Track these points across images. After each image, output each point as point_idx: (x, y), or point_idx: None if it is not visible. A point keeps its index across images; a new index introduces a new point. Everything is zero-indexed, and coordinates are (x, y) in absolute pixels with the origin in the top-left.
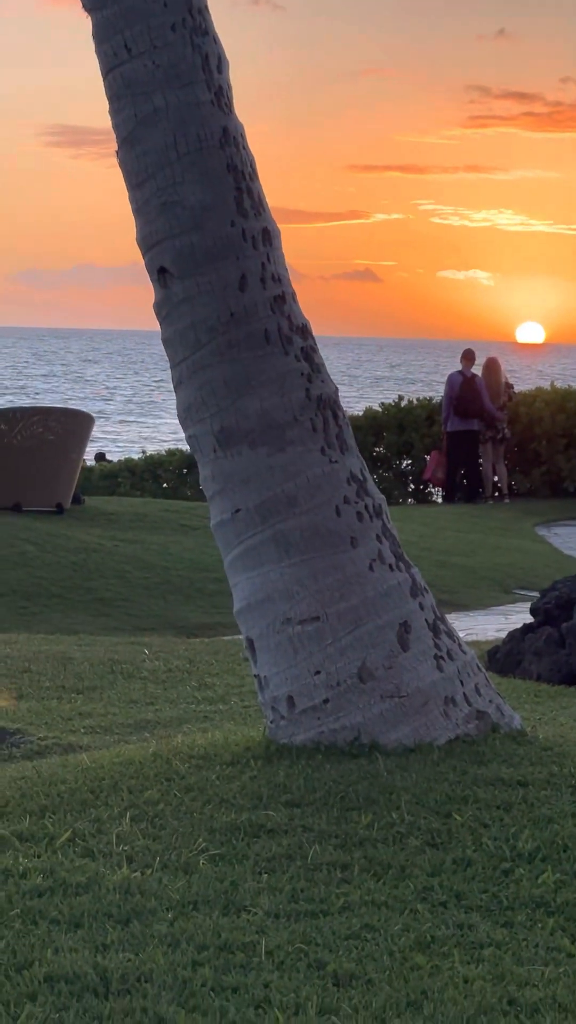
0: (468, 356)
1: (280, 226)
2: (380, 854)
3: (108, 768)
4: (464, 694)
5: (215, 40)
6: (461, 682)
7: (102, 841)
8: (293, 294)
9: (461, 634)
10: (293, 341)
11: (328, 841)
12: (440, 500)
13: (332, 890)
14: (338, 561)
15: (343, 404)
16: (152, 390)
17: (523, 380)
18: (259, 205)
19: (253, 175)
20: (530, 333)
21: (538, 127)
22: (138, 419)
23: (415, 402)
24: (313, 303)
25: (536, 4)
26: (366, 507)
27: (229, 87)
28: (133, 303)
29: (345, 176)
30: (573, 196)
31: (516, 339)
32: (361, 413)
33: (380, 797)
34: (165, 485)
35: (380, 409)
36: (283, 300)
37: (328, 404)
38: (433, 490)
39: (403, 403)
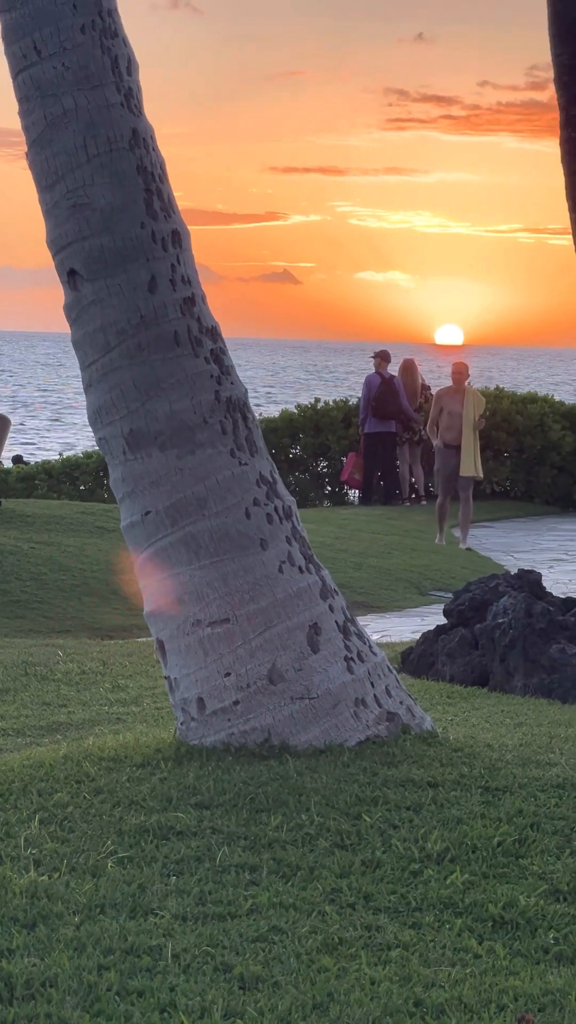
0: (384, 357)
1: (198, 228)
2: (289, 856)
3: (18, 771)
4: (375, 696)
5: (125, 42)
6: (372, 684)
7: (10, 844)
8: (203, 296)
9: (376, 636)
10: (203, 343)
11: (237, 843)
12: (357, 502)
13: (240, 892)
14: (248, 563)
15: (262, 405)
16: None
17: (441, 382)
18: (169, 207)
19: (163, 177)
20: (449, 335)
21: (456, 130)
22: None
23: (331, 404)
24: (232, 305)
25: (454, 9)
26: (276, 509)
27: (139, 89)
28: (55, 306)
29: (264, 178)
30: (491, 198)
31: (435, 341)
32: (277, 415)
33: (290, 799)
34: (83, 487)
35: (296, 411)
36: (193, 302)
37: (237, 406)
38: (350, 492)
39: (319, 405)
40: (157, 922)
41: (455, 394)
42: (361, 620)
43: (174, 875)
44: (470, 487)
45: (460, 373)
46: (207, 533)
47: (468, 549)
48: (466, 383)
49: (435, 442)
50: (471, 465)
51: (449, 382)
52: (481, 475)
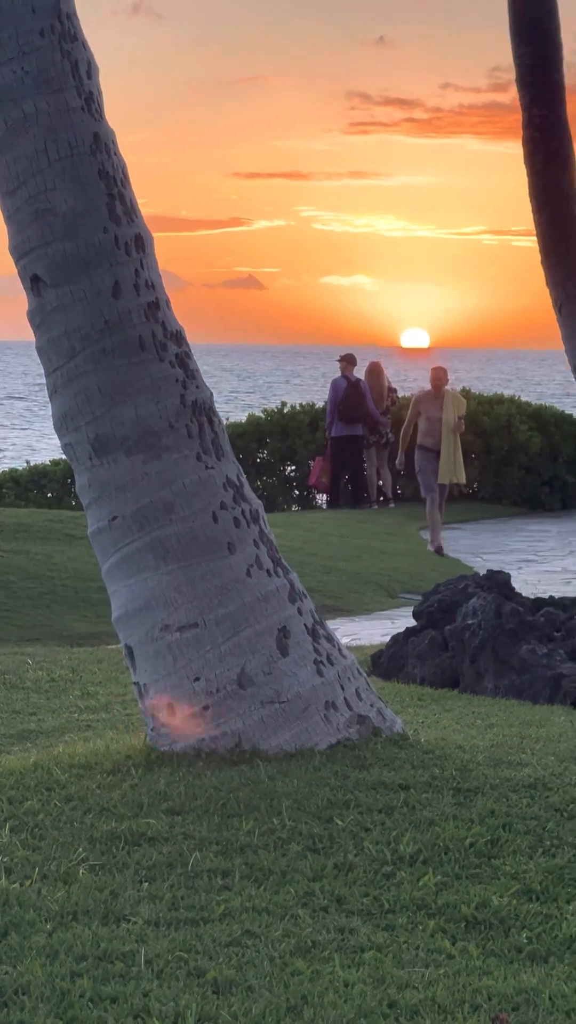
0: (350, 360)
1: (162, 234)
2: (261, 860)
3: None
4: (345, 698)
5: (84, 46)
6: (341, 687)
7: None
8: (167, 300)
9: (346, 639)
10: (167, 347)
11: (209, 848)
12: (325, 506)
13: (213, 897)
14: (216, 567)
15: (228, 410)
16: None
17: (408, 385)
18: (131, 211)
19: (125, 181)
20: (415, 338)
21: (419, 133)
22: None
23: (298, 408)
24: (197, 311)
25: (415, 12)
26: (243, 512)
27: (99, 93)
28: (20, 314)
29: (228, 183)
30: (454, 201)
31: (401, 344)
32: (244, 419)
33: (261, 803)
34: (50, 495)
35: (263, 415)
36: (157, 307)
37: (203, 410)
38: (317, 496)
39: (286, 409)
40: (130, 928)
41: (434, 399)
42: (331, 623)
43: (146, 881)
44: (446, 493)
45: (439, 379)
46: (174, 537)
47: (437, 551)
48: (445, 387)
49: (400, 456)
50: (449, 472)
51: (418, 385)
52: (463, 480)
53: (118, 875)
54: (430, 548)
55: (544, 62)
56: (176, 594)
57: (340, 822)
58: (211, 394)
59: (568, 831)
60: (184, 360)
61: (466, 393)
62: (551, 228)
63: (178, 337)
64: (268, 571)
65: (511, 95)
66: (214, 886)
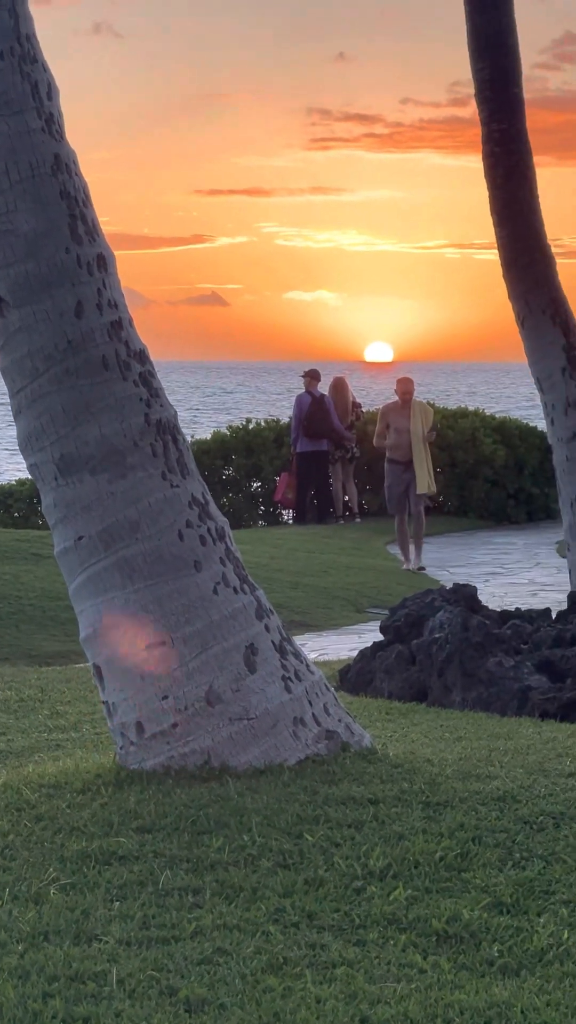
0: (314, 376)
1: (125, 252)
2: (232, 877)
3: None
4: (313, 714)
5: (44, 67)
6: (310, 702)
7: None
8: (130, 319)
9: (314, 654)
10: (131, 366)
11: (179, 866)
12: (291, 521)
13: (184, 915)
14: (182, 585)
15: (193, 428)
16: None
17: (372, 400)
18: (93, 231)
19: (86, 201)
20: (378, 352)
21: (380, 148)
22: None
23: (263, 424)
24: (161, 328)
25: (374, 28)
26: (209, 530)
27: (60, 114)
28: None
29: (190, 201)
30: (416, 215)
31: (365, 358)
32: (209, 436)
33: (231, 820)
34: (16, 514)
35: (228, 432)
36: (120, 326)
37: (168, 428)
38: (284, 512)
39: (251, 425)
40: (101, 948)
41: (401, 409)
42: (298, 639)
43: (117, 900)
44: (423, 503)
45: (407, 390)
46: (140, 556)
47: (421, 568)
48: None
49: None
50: (425, 482)
51: (383, 399)
52: (435, 489)
53: (89, 895)
54: (407, 568)
55: (503, 76)
56: (143, 613)
57: (310, 838)
58: (175, 412)
59: (537, 843)
60: (148, 379)
61: (430, 407)
62: (512, 242)
63: (141, 356)
64: (235, 588)
65: (471, 109)
66: (185, 904)
